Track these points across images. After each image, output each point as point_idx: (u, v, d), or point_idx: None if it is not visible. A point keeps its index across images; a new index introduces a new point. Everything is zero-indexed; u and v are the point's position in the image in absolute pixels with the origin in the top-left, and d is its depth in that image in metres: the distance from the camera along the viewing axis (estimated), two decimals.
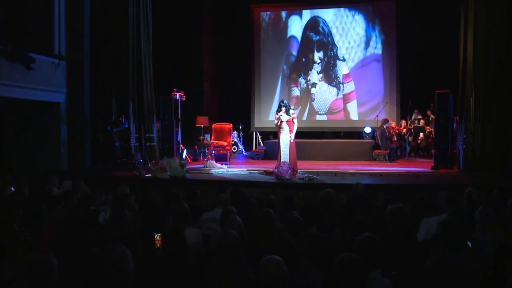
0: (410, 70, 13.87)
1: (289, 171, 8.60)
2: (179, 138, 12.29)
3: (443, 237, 3.46)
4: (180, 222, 4.18)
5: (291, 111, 9.28)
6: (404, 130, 13.33)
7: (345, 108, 14.68)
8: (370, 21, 14.52)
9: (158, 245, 3.39)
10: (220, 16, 15.82)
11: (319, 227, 4.25)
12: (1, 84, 9.00)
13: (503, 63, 9.54)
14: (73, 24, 11.07)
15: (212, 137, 12.59)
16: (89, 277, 2.66)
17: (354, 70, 14.58)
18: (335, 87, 14.72)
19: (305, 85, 14.96)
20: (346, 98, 14.62)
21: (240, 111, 15.16)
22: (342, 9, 14.75)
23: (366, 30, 14.51)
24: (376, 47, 14.45)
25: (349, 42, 14.64)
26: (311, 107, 14.91)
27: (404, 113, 13.92)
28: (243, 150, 15.11)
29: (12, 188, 5.92)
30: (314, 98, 14.83)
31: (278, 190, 7.89)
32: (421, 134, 13.51)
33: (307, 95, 14.95)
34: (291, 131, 9.17)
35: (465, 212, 4.81)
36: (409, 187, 7.82)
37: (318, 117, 14.90)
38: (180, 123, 12.34)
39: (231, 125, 12.99)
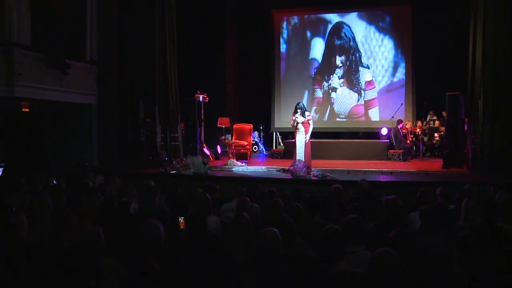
0: (426, 72, 14.19)
1: (304, 169, 9.20)
2: (202, 138, 12.96)
3: (422, 222, 4.04)
4: (202, 209, 4.83)
5: (307, 113, 9.88)
6: (419, 131, 13.72)
7: (366, 114, 15.06)
8: (388, 25, 14.91)
9: (181, 227, 4.04)
10: (243, 19, 16.28)
11: (324, 216, 4.84)
12: (40, 88, 9.74)
13: (511, 66, 9.91)
14: (104, 32, 11.75)
15: (233, 137, 13.15)
16: (128, 245, 3.31)
17: (377, 79, 15.01)
18: (356, 92, 15.11)
19: (327, 88, 15.43)
20: (368, 105, 14.97)
21: (261, 112, 15.71)
22: (360, 13, 15.22)
23: (385, 35, 14.91)
24: (394, 51, 14.87)
25: (370, 49, 15.05)
26: (332, 110, 15.35)
27: (420, 114, 14.28)
28: (264, 150, 15.68)
29: (55, 181, 6.69)
30: (333, 102, 15.30)
31: (293, 186, 8.45)
32: (436, 134, 13.86)
33: (328, 98, 15.40)
34: (306, 131, 9.77)
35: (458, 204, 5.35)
36: (415, 184, 8.28)
37: (339, 120, 15.39)
38: (203, 123, 13.00)
39: (251, 126, 13.53)
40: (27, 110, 10.90)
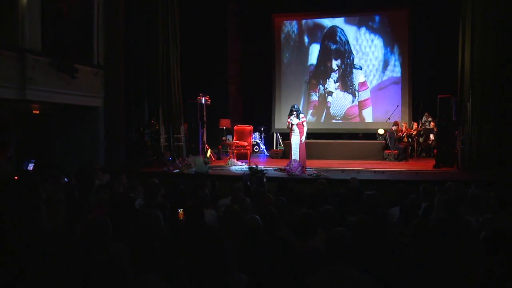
0: (422, 75, 14.62)
1: (299, 168, 9.72)
2: (205, 139, 13.47)
3: (401, 214, 4.55)
4: (200, 203, 5.35)
5: (301, 115, 10.41)
6: (414, 132, 14.15)
7: (360, 114, 15.56)
8: (385, 29, 15.38)
9: (181, 218, 4.54)
10: (245, 23, 16.76)
11: (309, 208, 5.35)
12: (50, 91, 10.26)
13: (498, 70, 10.29)
14: (110, 37, 12.22)
15: (234, 138, 13.62)
16: (132, 232, 3.82)
17: (369, 78, 15.49)
18: (351, 94, 15.62)
19: (323, 92, 15.94)
20: (361, 105, 15.49)
21: (263, 113, 16.22)
22: (359, 18, 15.69)
23: (381, 39, 15.38)
24: (391, 55, 15.34)
25: (364, 51, 15.55)
26: (328, 112, 15.89)
27: (415, 115, 14.72)
28: (265, 150, 16.16)
29: (66, 179, 7.22)
30: (329, 106, 15.84)
31: (289, 184, 8.92)
32: (431, 135, 14.27)
33: (324, 101, 15.91)
34: (301, 133, 10.28)
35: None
36: (401, 182, 8.69)
37: (334, 121, 15.89)
38: (205, 124, 13.52)
39: (251, 127, 13.91)
40: (37, 112, 11.42)
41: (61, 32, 10.89)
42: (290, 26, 16.51)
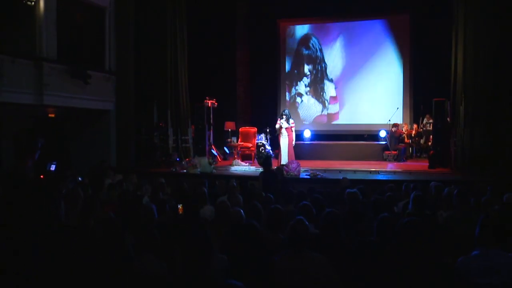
0: (423, 78, 14.95)
1: (298, 169, 10.28)
2: (211, 140, 14.06)
3: (373, 210, 5.11)
4: (199, 200, 5.95)
5: (291, 120, 11.01)
6: (415, 133, 14.59)
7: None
8: (386, 31, 15.85)
9: (180, 212, 5.16)
10: (253, 27, 17.13)
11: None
12: (65, 96, 10.96)
13: (489, 75, 10.77)
14: (121, 44, 12.87)
15: (239, 139, 14.20)
16: (133, 225, 4.43)
17: (370, 79, 16.01)
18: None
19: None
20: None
21: (270, 115, 16.72)
22: (361, 22, 16.24)
23: (383, 41, 15.85)
24: (392, 57, 15.82)
25: (364, 52, 16.07)
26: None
27: (416, 117, 15.17)
28: (270, 151, 16.68)
29: (80, 178, 7.88)
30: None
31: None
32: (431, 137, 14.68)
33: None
34: (289, 136, 10.89)
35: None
36: (391, 181, 9.22)
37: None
38: (212, 127, 14.11)
39: (256, 129, 14.38)
40: (53, 115, 12.08)
41: (75, 40, 11.56)
42: (295, 31, 17.02)
